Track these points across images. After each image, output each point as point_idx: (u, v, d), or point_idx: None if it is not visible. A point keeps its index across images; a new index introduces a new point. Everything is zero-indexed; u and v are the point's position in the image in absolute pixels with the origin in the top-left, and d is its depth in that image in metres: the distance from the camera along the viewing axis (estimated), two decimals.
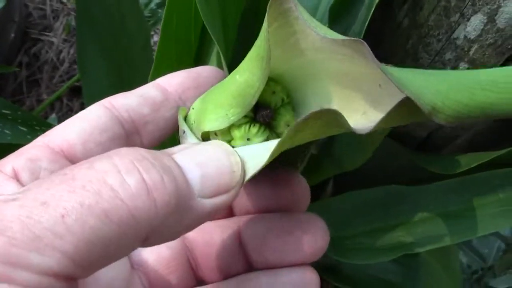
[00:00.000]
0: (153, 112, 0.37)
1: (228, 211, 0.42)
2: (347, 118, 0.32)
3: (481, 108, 0.29)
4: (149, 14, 1.19)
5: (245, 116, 0.34)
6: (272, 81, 0.35)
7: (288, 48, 0.32)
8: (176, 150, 0.30)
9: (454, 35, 0.48)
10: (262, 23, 0.29)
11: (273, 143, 0.30)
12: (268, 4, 0.29)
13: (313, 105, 0.36)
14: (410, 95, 0.26)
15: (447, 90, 0.28)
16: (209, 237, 0.40)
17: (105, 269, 0.35)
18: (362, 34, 0.49)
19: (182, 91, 0.38)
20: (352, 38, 0.28)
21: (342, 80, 0.33)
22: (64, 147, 0.33)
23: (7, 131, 0.74)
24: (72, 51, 1.60)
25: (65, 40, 1.63)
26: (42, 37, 1.63)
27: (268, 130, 0.35)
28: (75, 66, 1.56)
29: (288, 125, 0.36)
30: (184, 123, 0.36)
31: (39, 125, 0.77)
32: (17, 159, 0.31)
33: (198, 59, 0.60)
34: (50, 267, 0.23)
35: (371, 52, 0.27)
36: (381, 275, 0.67)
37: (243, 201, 0.40)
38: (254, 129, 0.34)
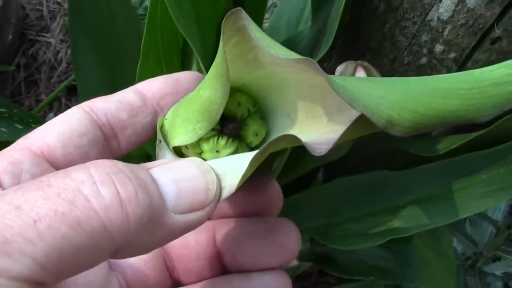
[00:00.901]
0: (130, 117, 0.37)
1: None
2: (311, 127, 0.33)
3: (439, 117, 0.29)
4: (143, 12, 1.20)
5: (213, 129, 0.34)
6: (239, 92, 0.36)
7: (249, 61, 0.33)
8: (154, 165, 0.30)
9: (428, 17, 0.48)
10: None
11: (244, 159, 0.31)
12: (223, 23, 0.29)
13: (281, 112, 0.36)
14: (363, 111, 0.26)
15: (403, 100, 0.28)
16: (185, 239, 0.40)
17: None
18: (338, 20, 0.50)
19: (160, 97, 0.38)
20: (301, 58, 0.28)
21: (305, 89, 0.33)
22: (45, 149, 0.34)
23: (3, 129, 0.75)
24: (69, 51, 1.60)
25: (62, 41, 1.63)
26: (40, 38, 1.63)
27: (237, 141, 0.36)
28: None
29: (256, 134, 0.36)
30: (160, 133, 0.36)
31: (36, 123, 0.78)
32: None
33: (185, 51, 0.61)
34: (20, 273, 0.23)
35: (320, 68, 0.27)
36: (374, 262, 0.68)
37: (219, 205, 0.41)
38: (223, 141, 0.35)
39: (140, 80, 0.59)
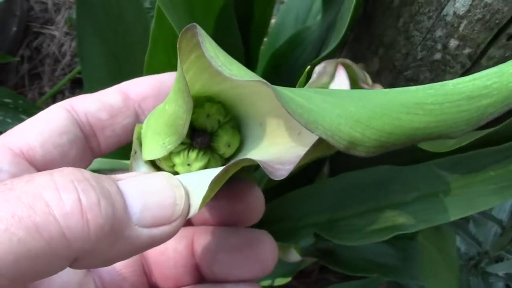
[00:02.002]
0: (110, 118, 0.37)
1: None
2: (283, 138, 0.32)
3: (406, 134, 0.27)
4: (149, 6, 1.19)
5: (183, 143, 0.34)
6: (209, 101, 0.35)
7: (214, 74, 0.32)
8: (122, 177, 0.30)
9: (444, 12, 0.48)
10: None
11: (215, 173, 0.30)
12: (178, 40, 0.29)
13: (253, 121, 0.36)
14: (322, 134, 0.25)
15: (368, 118, 0.27)
16: (163, 246, 0.40)
17: None
18: (350, 14, 0.50)
19: (142, 99, 0.38)
20: (254, 79, 0.27)
21: (274, 100, 0.32)
22: (24, 149, 0.34)
23: (9, 120, 0.75)
24: (73, 44, 1.60)
25: (66, 34, 1.63)
26: (44, 31, 1.63)
27: (209, 153, 0.36)
28: (77, 59, 1.56)
29: (229, 145, 0.36)
30: (137, 143, 0.36)
31: None
32: None
33: None
34: None
35: (275, 89, 0.26)
36: (377, 259, 0.68)
37: (200, 213, 0.40)
38: (193, 154, 0.35)
39: (148, 71, 0.59)
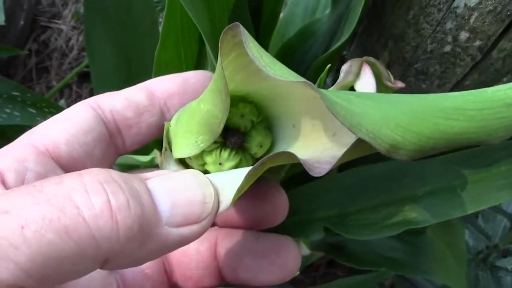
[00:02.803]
0: (136, 116, 0.37)
1: None
2: (316, 140, 0.32)
3: (445, 139, 0.28)
4: (157, 0, 1.19)
5: (216, 142, 0.34)
6: (242, 101, 0.35)
7: (251, 74, 0.32)
8: (150, 175, 0.30)
9: (455, 4, 0.48)
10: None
11: (245, 172, 0.30)
12: (220, 38, 0.28)
13: (286, 122, 0.36)
14: (365, 136, 0.25)
15: (408, 122, 0.27)
16: (186, 247, 0.40)
17: None
18: (361, 6, 0.49)
19: (168, 97, 0.38)
20: (299, 80, 0.27)
21: (310, 101, 0.33)
22: (50, 147, 0.33)
23: (17, 113, 0.75)
24: (80, 38, 1.61)
25: (74, 27, 1.63)
26: (51, 25, 1.63)
27: (241, 152, 0.36)
28: (84, 53, 1.57)
29: (261, 146, 0.36)
30: (166, 141, 0.36)
31: (48, 107, 0.78)
32: (4, 160, 0.31)
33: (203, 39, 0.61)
34: (2, 278, 0.22)
35: (319, 90, 0.26)
36: (386, 253, 0.68)
37: (226, 214, 0.41)
38: (225, 154, 0.35)
39: (158, 65, 0.59)
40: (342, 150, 0.28)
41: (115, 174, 0.27)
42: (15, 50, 1.19)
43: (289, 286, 1.01)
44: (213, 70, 0.49)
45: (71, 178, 0.26)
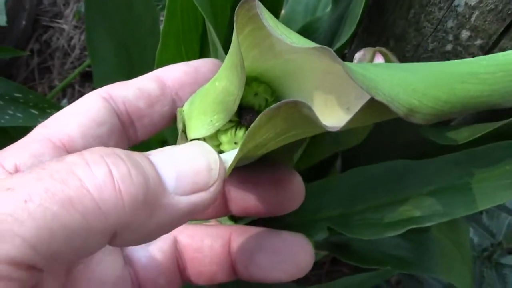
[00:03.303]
0: (148, 106, 0.37)
1: (224, 209, 0.42)
2: (330, 115, 0.32)
3: (461, 103, 0.28)
4: None
5: (231, 121, 0.34)
6: (256, 81, 0.35)
7: (264, 49, 0.32)
8: (153, 152, 0.30)
9: (455, 3, 0.48)
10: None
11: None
12: (236, 12, 0.29)
13: (300, 100, 0.36)
14: (383, 99, 0.25)
15: (424, 87, 0.27)
16: (200, 243, 0.41)
17: (99, 259, 0.35)
18: (362, 5, 0.49)
19: (180, 87, 0.38)
20: (317, 46, 0.27)
21: (323, 76, 0.33)
22: (65, 140, 0.33)
23: (19, 114, 0.75)
24: (82, 37, 1.61)
25: (75, 27, 1.63)
26: (53, 24, 1.64)
27: None
28: (86, 52, 1.57)
29: None
30: (180, 124, 0.36)
31: (50, 108, 0.78)
32: (20, 154, 0.31)
33: (204, 36, 0.61)
34: (9, 254, 0.22)
35: (337, 56, 0.26)
36: (391, 251, 0.68)
37: (241, 199, 0.41)
38: (241, 133, 0.34)
39: (159, 64, 0.59)
40: (352, 114, 0.27)
41: (116, 149, 0.27)
42: (17, 51, 1.19)
43: (293, 284, 1.02)
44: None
45: (72, 156, 0.26)
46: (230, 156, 0.32)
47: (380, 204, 0.54)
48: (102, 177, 0.25)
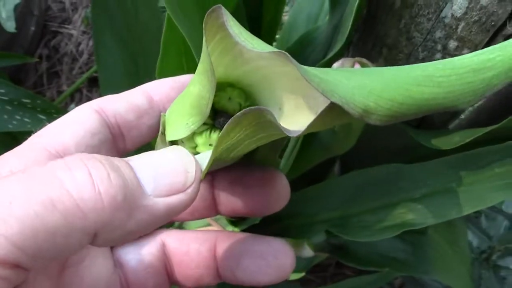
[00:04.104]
0: (137, 118, 0.39)
1: (213, 210, 0.44)
2: (301, 118, 0.34)
3: (417, 105, 0.29)
4: (163, 5, 1.20)
5: (206, 124, 0.35)
6: (230, 87, 0.37)
7: (235, 56, 0.34)
8: (132, 157, 0.31)
9: (443, 14, 0.49)
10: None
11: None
12: (204, 20, 0.30)
13: (273, 106, 0.37)
14: (338, 101, 0.26)
15: (380, 89, 0.28)
16: (187, 248, 0.42)
17: (90, 262, 0.36)
18: (352, 15, 0.51)
19: (167, 101, 0.40)
20: (274, 50, 0.28)
21: (292, 81, 0.34)
22: (60, 149, 0.34)
23: (27, 120, 0.76)
24: (90, 43, 1.62)
25: (84, 32, 1.65)
26: (62, 30, 1.65)
27: None
28: (94, 58, 1.58)
29: None
30: (162, 126, 0.37)
31: (58, 113, 0.79)
32: (16, 162, 0.32)
33: None
34: None
35: (293, 60, 0.27)
36: (389, 253, 0.69)
37: (229, 200, 0.42)
38: (215, 135, 0.36)
39: (160, 73, 0.60)
40: (311, 119, 0.28)
41: (96, 154, 0.28)
42: (26, 57, 1.20)
43: (298, 286, 1.02)
44: None
45: (54, 161, 0.27)
46: (206, 159, 0.33)
47: (376, 207, 0.55)
48: (82, 178, 0.26)
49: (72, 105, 1.50)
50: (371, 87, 0.28)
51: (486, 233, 0.89)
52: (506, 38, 0.48)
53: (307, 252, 0.74)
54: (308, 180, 0.62)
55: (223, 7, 0.29)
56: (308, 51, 0.73)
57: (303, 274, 0.83)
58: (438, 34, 0.51)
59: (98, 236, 0.27)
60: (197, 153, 0.36)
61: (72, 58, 1.60)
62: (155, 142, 0.39)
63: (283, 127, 0.29)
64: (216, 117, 0.37)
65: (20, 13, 1.46)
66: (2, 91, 0.75)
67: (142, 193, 0.29)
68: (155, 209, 0.29)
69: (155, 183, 0.29)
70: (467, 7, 0.46)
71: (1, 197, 0.24)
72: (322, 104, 0.32)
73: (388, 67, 0.31)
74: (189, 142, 0.36)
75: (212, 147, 0.36)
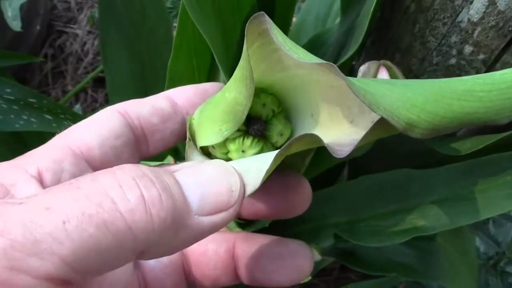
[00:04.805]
0: (161, 122, 0.39)
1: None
2: (335, 127, 0.34)
3: (458, 119, 0.29)
4: (171, 6, 1.20)
5: (239, 130, 0.36)
6: (263, 92, 0.37)
7: (272, 63, 0.34)
8: (178, 168, 0.31)
9: (459, 18, 0.49)
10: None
11: (267, 157, 0.32)
12: (246, 27, 0.30)
13: (305, 112, 0.37)
14: (383, 114, 0.27)
15: (422, 103, 0.28)
16: (204, 248, 0.42)
17: None
18: (369, 18, 0.50)
19: (190, 107, 0.40)
20: (322, 62, 0.28)
21: (328, 90, 0.34)
22: (84, 149, 0.35)
23: (33, 119, 0.76)
24: (96, 42, 1.62)
25: (89, 32, 1.65)
26: (67, 29, 1.65)
27: (263, 141, 0.37)
28: (99, 58, 1.58)
29: (281, 134, 0.37)
30: (189, 132, 0.38)
31: (64, 113, 0.79)
32: (42, 160, 0.33)
33: None
34: (47, 271, 0.24)
35: (341, 72, 0.27)
36: (397, 259, 0.68)
37: (251, 203, 0.43)
38: (248, 141, 0.36)
39: (171, 75, 0.60)
40: (361, 133, 0.29)
41: (145, 169, 0.29)
42: (31, 57, 1.20)
43: None
44: (225, 81, 0.50)
45: (105, 175, 0.28)
46: (252, 175, 0.32)
47: (385, 212, 0.55)
48: (135, 201, 0.26)
49: (77, 105, 1.50)
50: (414, 100, 0.28)
51: (494, 239, 0.88)
52: None
53: (315, 256, 0.74)
54: (318, 184, 0.61)
55: (265, 14, 0.29)
56: (319, 54, 0.72)
57: (309, 278, 0.83)
58: (454, 38, 0.51)
59: (144, 253, 0.28)
60: (229, 158, 0.36)
61: (77, 58, 1.60)
62: (170, 150, 0.39)
63: (332, 149, 0.29)
64: (250, 123, 0.37)
65: (26, 12, 1.46)
66: (8, 90, 0.75)
67: (189, 212, 0.29)
68: (200, 227, 0.30)
69: (200, 202, 0.30)
70: (484, 12, 0.46)
71: (55, 216, 0.25)
72: (358, 114, 0.32)
73: (427, 80, 0.31)
74: (221, 148, 0.36)
75: (244, 154, 0.36)
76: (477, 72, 0.52)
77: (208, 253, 0.42)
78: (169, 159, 0.65)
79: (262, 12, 0.29)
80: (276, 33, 0.29)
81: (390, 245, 0.68)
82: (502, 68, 0.50)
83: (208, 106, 0.37)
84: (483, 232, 0.89)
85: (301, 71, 0.34)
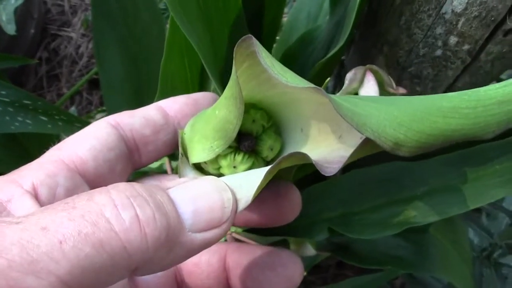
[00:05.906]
0: (153, 134, 0.40)
1: None
2: (324, 142, 0.35)
3: (444, 135, 0.30)
4: (163, 7, 1.21)
5: (230, 146, 0.36)
6: (253, 108, 0.38)
7: (262, 82, 0.34)
8: (171, 185, 0.32)
9: (443, 10, 0.49)
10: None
11: (258, 173, 0.32)
12: (235, 49, 0.30)
13: (295, 127, 0.38)
14: (370, 135, 0.27)
15: (409, 121, 0.29)
16: (197, 259, 0.43)
17: None
18: (354, 12, 0.51)
19: (181, 117, 0.41)
20: (310, 86, 0.29)
21: (317, 106, 0.35)
22: (78, 162, 0.36)
23: (29, 121, 0.76)
24: (90, 45, 1.63)
25: (83, 35, 1.65)
26: (61, 33, 1.65)
27: (253, 156, 0.38)
28: (94, 60, 1.59)
29: (271, 149, 0.38)
30: (181, 147, 0.38)
31: (59, 114, 0.79)
32: (37, 174, 0.33)
33: None
34: None
35: (328, 95, 0.28)
36: (391, 252, 0.69)
37: (243, 213, 0.43)
38: (239, 157, 0.37)
39: (164, 75, 0.61)
40: (350, 150, 0.30)
41: (139, 187, 0.29)
42: (26, 59, 1.20)
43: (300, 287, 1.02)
44: (215, 83, 0.51)
45: (100, 194, 0.28)
46: (244, 191, 0.33)
47: (378, 204, 0.55)
48: (130, 221, 0.27)
49: (72, 108, 1.50)
50: (400, 118, 0.29)
51: (487, 230, 0.89)
52: (506, 33, 0.48)
53: (309, 251, 0.75)
54: (311, 179, 0.62)
55: (253, 37, 0.30)
56: (309, 50, 0.73)
57: (304, 273, 0.84)
58: (439, 30, 0.51)
59: (137, 270, 0.28)
60: (221, 174, 0.37)
61: (71, 61, 1.61)
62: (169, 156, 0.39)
63: (321, 166, 0.30)
64: (241, 139, 0.37)
65: (20, 16, 1.47)
66: (4, 92, 0.75)
67: (182, 229, 0.30)
68: (193, 244, 0.30)
69: (194, 219, 0.30)
70: (467, 3, 0.47)
71: (52, 236, 0.25)
72: (346, 130, 0.33)
73: (414, 96, 0.32)
74: (213, 164, 0.37)
75: (236, 169, 0.37)
76: (463, 63, 0.53)
77: (201, 263, 0.43)
78: (165, 159, 0.66)
79: (249, 35, 0.30)
80: (264, 56, 0.30)
81: (384, 239, 0.69)
82: (486, 58, 0.51)
83: (199, 121, 0.38)
84: (476, 224, 0.90)
85: (290, 89, 0.34)
